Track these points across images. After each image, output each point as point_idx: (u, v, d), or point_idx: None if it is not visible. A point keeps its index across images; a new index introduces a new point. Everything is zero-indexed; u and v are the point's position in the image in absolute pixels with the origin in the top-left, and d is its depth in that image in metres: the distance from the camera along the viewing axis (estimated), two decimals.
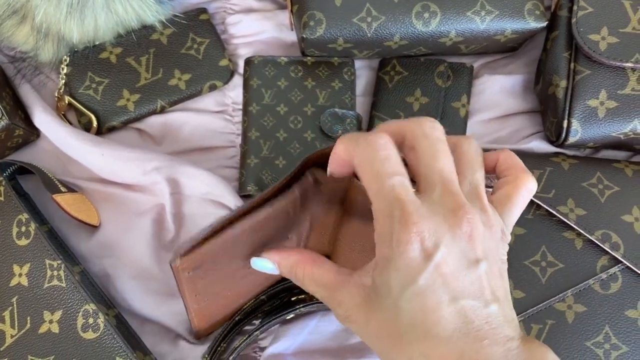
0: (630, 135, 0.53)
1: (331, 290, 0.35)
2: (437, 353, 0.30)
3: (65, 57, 0.59)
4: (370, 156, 0.32)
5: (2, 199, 0.53)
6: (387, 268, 0.32)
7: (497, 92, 0.59)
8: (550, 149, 0.57)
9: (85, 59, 0.59)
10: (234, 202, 0.56)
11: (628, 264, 0.49)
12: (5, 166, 0.56)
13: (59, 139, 0.56)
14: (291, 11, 0.57)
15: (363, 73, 0.62)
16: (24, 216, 0.52)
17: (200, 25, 0.61)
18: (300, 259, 0.37)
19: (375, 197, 0.32)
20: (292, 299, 0.53)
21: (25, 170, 0.57)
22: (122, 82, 0.59)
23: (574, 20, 0.53)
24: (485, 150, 0.56)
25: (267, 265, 0.40)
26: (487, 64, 0.61)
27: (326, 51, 0.58)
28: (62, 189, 0.56)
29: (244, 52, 0.62)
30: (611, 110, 0.52)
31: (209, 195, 0.55)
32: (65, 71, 0.59)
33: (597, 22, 0.53)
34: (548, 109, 0.55)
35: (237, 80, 0.61)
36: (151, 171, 0.54)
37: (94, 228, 0.56)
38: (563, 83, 0.54)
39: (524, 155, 0.54)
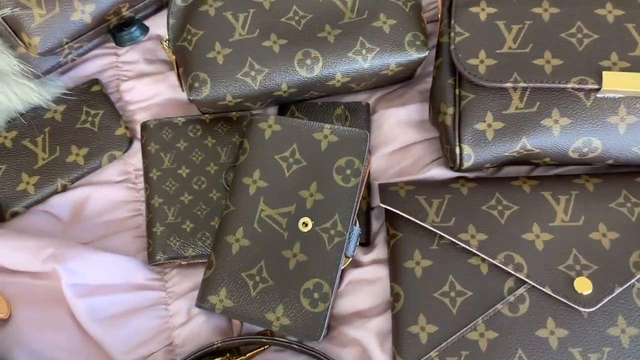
0: (523, 152, 0.53)
1: None
2: None
3: None
4: None
5: None
6: None
7: (394, 125, 0.59)
8: (452, 174, 0.57)
9: None
10: (143, 276, 0.55)
11: (533, 283, 0.49)
12: None
13: None
14: (178, 74, 0.57)
15: None
16: None
17: (93, 98, 0.61)
18: None
19: None
20: None
21: None
22: (20, 165, 0.59)
23: (452, 47, 0.54)
24: (390, 184, 0.56)
25: None
26: (383, 96, 0.62)
27: (219, 108, 0.58)
28: None
29: (141, 117, 0.61)
30: (499, 131, 0.53)
31: (114, 279, 0.54)
32: None
33: (474, 46, 0.54)
34: (442, 136, 0.56)
35: (138, 147, 0.61)
36: (48, 259, 0.53)
37: (3, 320, 0.55)
38: (450, 110, 0.54)
39: (424, 186, 0.55)
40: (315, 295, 0.50)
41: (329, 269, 0.51)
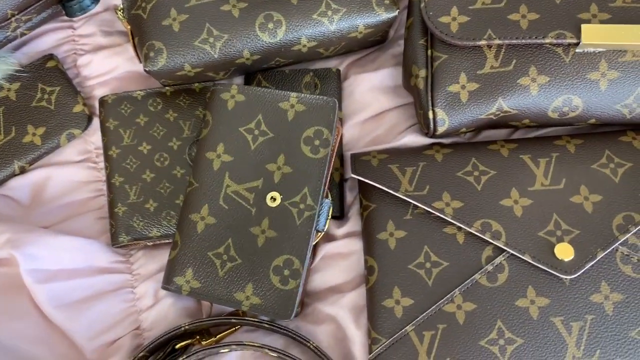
0: (500, 114, 0.50)
1: None
2: None
3: None
4: None
5: None
6: None
7: (366, 91, 0.56)
8: (427, 140, 0.54)
9: None
10: (106, 259, 0.53)
11: (512, 251, 0.47)
12: None
13: None
14: (134, 44, 0.54)
15: None
16: None
17: (48, 74, 0.58)
18: None
19: None
20: (176, 346, 0.50)
21: None
22: None
23: (422, 4, 0.51)
24: (362, 154, 0.53)
25: None
26: (355, 61, 0.59)
27: (179, 79, 0.55)
28: None
29: (100, 93, 0.58)
30: (473, 92, 0.50)
31: (76, 262, 0.52)
32: None
33: (445, 2, 0.50)
34: (415, 101, 0.53)
35: (97, 124, 0.58)
36: (4, 245, 0.50)
37: None
38: (422, 72, 0.51)
39: (397, 154, 0.52)
40: (286, 272, 0.48)
41: (299, 244, 0.48)
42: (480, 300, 0.46)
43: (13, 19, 0.53)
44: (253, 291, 0.48)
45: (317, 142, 0.50)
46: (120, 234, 0.53)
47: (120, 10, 0.54)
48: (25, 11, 0.53)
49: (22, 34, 0.56)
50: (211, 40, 0.52)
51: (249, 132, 0.51)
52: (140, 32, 0.53)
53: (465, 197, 0.49)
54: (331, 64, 0.59)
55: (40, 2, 0.53)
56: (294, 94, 0.51)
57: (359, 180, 0.53)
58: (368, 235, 0.50)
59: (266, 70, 0.58)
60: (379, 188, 0.51)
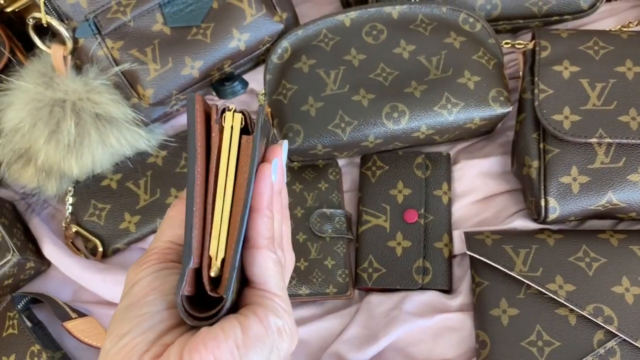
0: (608, 206, 0.54)
1: None
2: None
3: (69, 188, 0.64)
4: None
5: (15, 332, 0.56)
6: None
7: (476, 175, 0.61)
8: (535, 225, 0.58)
9: (87, 188, 0.64)
10: None
11: (624, 337, 0.49)
12: (19, 299, 0.59)
13: (66, 268, 0.60)
14: (272, 125, 0.62)
15: (348, 170, 0.65)
16: (36, 347, 0.55)
17: None
18: None
19: None
20: None
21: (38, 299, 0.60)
22: (123, 205, 0.63)
23: (536, 103, 0.56)
24: (475, 233, 0.57)
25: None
26: (464, 148, 0.64)
27: (309, 156, 0.62)
28: (73, 315, 0.59)
29: None
30: (584, 185, 0.54)
31: None
32: (70, 202, 0.64)
33: (558, 102, 0.56)
34: (526, 189, 0.57)
35: None
36: None
37: None
38: (535, 163, 0.56)
39: (509, 235, 0.56)
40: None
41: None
42: None
43: (174, 97, 0.61)
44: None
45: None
46: None
47: (262, 95, 0.62)
48: (184, 91, 0.62)
49: (177, 110, 0.65)
50: (342, 125, 0.58)
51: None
52: (280, 114, 0.60)
53: (577, 281, 0.52)
54: (441, 149, 0.65)
55: (197, 85, 0.62)
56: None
57: (471, 257, 0.57)
58: (481, 310, 0.53)
59: (381, 152, 0.64)
60: (492, 266, 0.54)
